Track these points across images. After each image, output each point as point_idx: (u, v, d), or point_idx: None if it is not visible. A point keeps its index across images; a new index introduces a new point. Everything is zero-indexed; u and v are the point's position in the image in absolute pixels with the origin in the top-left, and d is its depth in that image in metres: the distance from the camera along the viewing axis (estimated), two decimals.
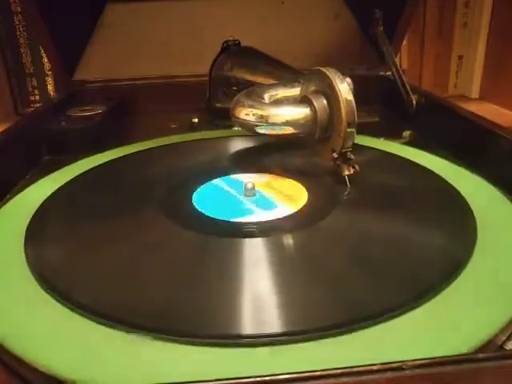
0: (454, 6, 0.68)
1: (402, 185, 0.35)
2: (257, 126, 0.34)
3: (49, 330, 0.21)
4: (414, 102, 0.49)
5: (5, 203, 0.34)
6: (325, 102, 0.34)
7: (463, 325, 0.21)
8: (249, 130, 0.35)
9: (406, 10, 0.58)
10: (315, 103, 0.34)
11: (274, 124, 0.34)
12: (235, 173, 0.37)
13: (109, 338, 0.20)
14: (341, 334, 0.20)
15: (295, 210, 0.31)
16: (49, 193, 0.34)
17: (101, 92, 0.59)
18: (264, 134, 0.35)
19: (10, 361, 0.20)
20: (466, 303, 0.22)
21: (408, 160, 0.39)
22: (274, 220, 0.30)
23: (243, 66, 0.50)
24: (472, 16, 0.68)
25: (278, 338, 0.20)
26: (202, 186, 0.35)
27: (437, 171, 0.36)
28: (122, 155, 0.42)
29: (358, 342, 0.20)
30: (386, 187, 0.35)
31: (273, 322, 0.21)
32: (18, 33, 0.66)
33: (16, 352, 0.20)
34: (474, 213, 0.30)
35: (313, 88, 0.35)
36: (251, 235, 0.28)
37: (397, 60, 0.55)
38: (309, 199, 0.32)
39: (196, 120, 0.54)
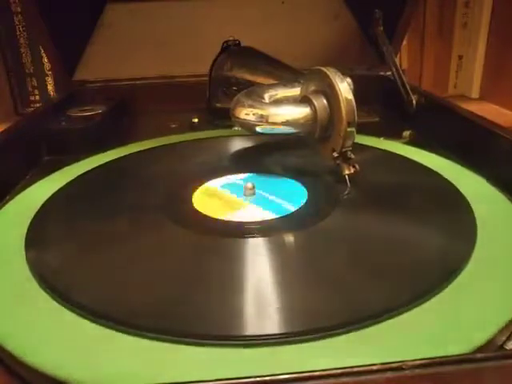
0: (453, 6, 0.68)
1: (403, 184, 0.35)
2: (257, 125, 0.34)
3: (49, 331, 0.21)
4: (414, 101, 0.49)
5: (5, 203, 0.34)
6: (325, 101, 0.34)
7: (463, 325, 0.21)
8: (249, 129, 0.35)
9: (405, 10, 0.58)
10: (315, 103, 0.34)
11: (273, 124, 0.34)
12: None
13: (109, 339, 0.20)
14: (341, 334, 0.20)
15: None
16: (49, 193, 0.34)
17: (101, 92, 0.59)
18: (264, 134, 0.35)
19: (10, 362, 0.20)
20: (466, 303, 0.22)
21: (408, 159, 0.39)
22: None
23: (243, 65, 0.50)
24: (472, 16, 0.68)
25: (278, 339, 0.20)
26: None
27: (437, 171, 0.36)
28: (122, 155, 0.42)
29: (358, 342, 0.20)
30: (387, 187, 0.35)
31: (273, 322, 0.21)
32: (18, 33, 0.66)
33: (16, 353, 0.20)
34: (474, 213, 0.30)
35: (313, 88, 0.35)
36: (251, 235, 0.28)
37: (397, 60, 0.55)
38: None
39: (196, 120, 0.54)
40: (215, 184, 0.35)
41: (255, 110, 0.34)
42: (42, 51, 0.66)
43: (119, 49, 0.62)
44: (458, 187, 0.33)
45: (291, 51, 0.54)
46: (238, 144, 0.45)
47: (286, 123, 0.34)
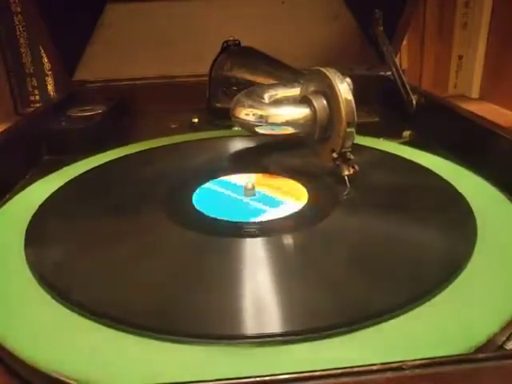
0: (453, 6, 0.68)
1: (402, 185, 0.35)
2: (257, 125, 0.34)
3: (49, 331, 0.21)
4: (414, 101, 0.49)
5: (5, 203, 0.34)
6: (324, 101, 0.34)
7: (463, 325, 0.21)
8: (249, 129, 0.35)
9: (405, 10, 0.58)
10: (315, 103, 0.34)
11: (273, 124, 0.34)
12: (235, 173, 0.37)
13: (109, 338, 0.20)
14: (341, 334, 0.20)
15: (301, 203, 0.32)
16: (49, 193, 0.34)
17: (101, 92, 0.59)
18: (264, 134, 0.35)
19: (10, 361, 0.20)
20: (466, 303, 0.22)
21: (408, 160, 0.39)
22: (273, 220, 0.30)
23: (243, 65, 0.50)
24: (472, 16, 0.68)
25: (278, 338, 0.20)
26: (199, 188, 0.35)
27: (437, 171, 0.36)
28: (122, 155, 0.42)
29: (358, 342, 0.20)
30: (386, 187, 0.35)
31: (273, 322, 0.21)
32: (18, 33, 0.66)
33: (16, 352, 0.20)
34: (474, 213, 0.30)
35: (312, 88, 0.35)
36: (251, 235, 0.28)
37: (397, 60, 0.55)
38: (309, 199, 0.32)
39: (196, 120, 0.54)
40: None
41: (255, 110, 0.34)
42: (42, 51, 0.66)
43: (119, 49, 0.62)
44: (458, 187, 0.33)
45: (291, 51, 0.54)
46: (238, 144, 0.45)
47: (286, 123, 0.34)
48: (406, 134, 0.47)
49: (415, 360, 0.17)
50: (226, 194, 0.34)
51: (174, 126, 0.54)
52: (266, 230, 0.29)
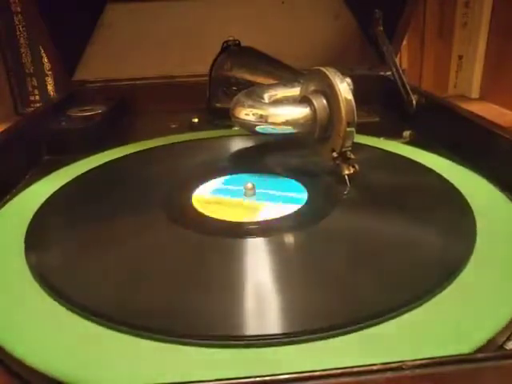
0: (454, 6, 0.68)
1: (402, 184, 0.35)
2: (257, 125, 0.34)
3: (49, 331, 0.21)
4: (414, 102, 0.49)
5: (5, 203, 0.34)
6: (324, 101, 0.34)
7: (463, 325, 0.21)
8: (249, 129, 0.35)
9: (406, 10, 0.58)
10: (315, 103, 0.34)
11: (273, 124, 0.34)
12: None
13: (109, 339, 0.20)
14: (341, 334, 0.20)
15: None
16: (49, 193, 0.34)
17: (101, 92, 0.59)
18: (264, 134, 0.35)
19: (10, 362, 0.20)
20: (466, 303, 0.22)
21: (408, 159, 0.39)
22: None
23: (243, 65, 0.50)
24: (472, 16, 0.68)
25: (278, 339, 0.20)
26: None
27: (437, 171, 0.36)
28: (121, 155, 0.42)
29: (358, 342, 0.20)
30: (386, 187, 0.35)
31: (273, 323, 0.21)
32: (18, 33, 0.66)
33: (16, 353, 0.20)
34: (474, 213, 0.30)
35: (312, 88, 0.35)
36: (251, 235, 0.28)
37: (397, 60, 0.55)
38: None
39: (196, 120, 0.54)
40: (205, 192, 0.34)
41: (255, 110, 0.34)
42: (42, 51, 0.66)
43: (119, 49, 0.62)
44: (458, 187, 0.33)
45: (291, 51, 0.54)
46: (237, 144, 0.45)
47: (286, 123, 0.34)
48: (406, 133, 0.47)
49: (415, 360, 0.17)
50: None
51: (174, 126, 0.54)
52: (266, 230, 0.29)
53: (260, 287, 0.24)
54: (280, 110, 0.34)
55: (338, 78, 0.33)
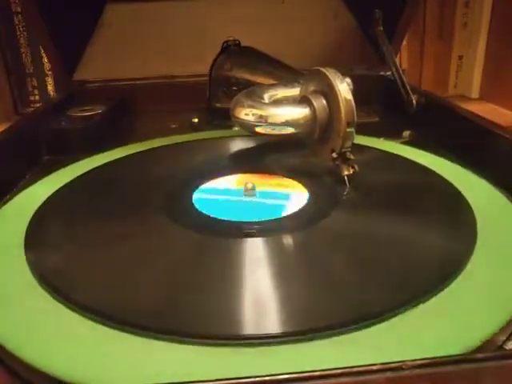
0: (454, 6, 0.68)
1: (402, 184, 0.35)
2: (256, 126, 0.34)
3: (49, 330, 0.21)
4: (414, 101, 0.49)
5: (5, 203, 0.34)
6: (324, 101, 0.34)
7: (463, 325, 0.21)
8: (248, 129, 0.35)
9: (406, 10, 0.58)
10: (315, 103, 0.34)
11: (273, 124, 0.34)
12: (234, 173, 0.37)
13: (109, 339, 0.20)
14: (341, 334, 0.20)
15: (304, 192, 0.33)
16: (49, 193, 0.34)
17: (101, 92, 0.59)
18: (264, 134, 0.35)
19: (10, 361, 0.20)
20: (466, 303, 0.22)
21: (408, 160, 0.39)
22: (273, 220, 0.30)
23: (243, 65, 0.50)
24: (472, 16, 0.68)
25: (277, 338, 0.20)
26: (200, 188, 0.35)
27: (437, 171, 0.36)
28: (121, 155, 0.42)
29: (358, 342, 0.20)
30: (386, 187, 0.35)
31: (273, 322, 0.21)
32: (18, 33, 0.66)
33: (16, 353, 0.20)
34: (474, 213, 0.30)
35: (312, 88, 0.35)
36: (251, 235, 0.28)
37: (397, 60, 0.55)
38: (308, 199, 0.32)
39: (196, 120, 0.54)
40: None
41: (255, 111, 0.34)
42: (42, 51, 0.66)
43: (119, 49, 0.62)
44: (458, 187, 0.33)
45: (291, 51, 0.54)
46: (237, 144, 0.45)
47: (286, 123, 0.34)
48: (406, 133, 0.47)
49: (415, 360, 0.17)
50: (226, 195, 0.34)
51: (174, 125, 0.54)
52: (266, 230, 0.29)
53: (260, 287, 0.24)
54: (280, 110, 0.34)
55: (337, 78, 0.33)
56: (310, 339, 0.20)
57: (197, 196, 0.33)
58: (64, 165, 0.40)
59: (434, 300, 0.22)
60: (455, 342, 0.19)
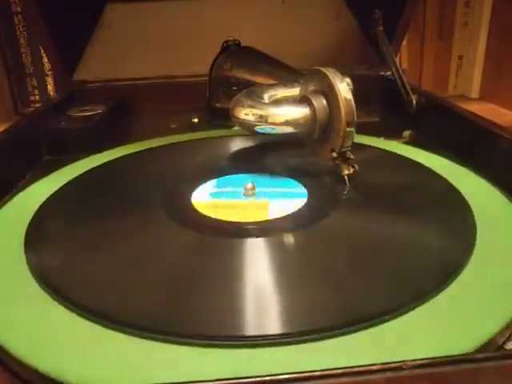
0: (454, 6, 0.68)
1: (402, 184, 0.35)
2: (256, 125, 0.34)
3: (48, 331, 0.21)
4: (414, 101, 0.49)
5: (5, 203, 0.34)
6: (324, 101, 0.34)
7: (463, 325, 0.21)
8: (248, 129, 0.35)
9: (405, 10, 0.58)
10: (315, 103, 0.34)
11: (273, 124, 0.34)
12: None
13: (109, 339, 0.20)
14: (341, 334, 0.20)
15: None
16: (49, 193, 0.34)
17: (101, 92, 0.59)
18: (264, 134, 0.35)
19: (10, 362, 0.20)
20: (466, 303, 0.22)
21: (408, 159, 0.39)
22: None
23: (243, 66, 0.50)
24: (472, 16, 0.68)
25: (278, 339, 0.20)
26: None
27: (437, 171, 0.36)
28: (121, 155, 0.42)
29: (358, 342, 0.20)
30: (386, 187, 0.35)
31: (273, 323, 0.21)
32: (18, 33, 0.66)
33: (16, 354, 0.20)
34: (474, 213, 0.30)
35: (312, 88, 0.35)
36: (251, 235, 0.28)
37: (397, 60, 0.55)
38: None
39: (196, 120, 0.54)
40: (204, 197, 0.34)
41: (255, 110, 0.34)
42: (42, 51, 0.66)
43: (119, 49, 0.62)
44: (458, 187, 0.33)
45: (291, 51, 0.54)
46: (237, 144, 0.44)
47: (286, 123, 0.34)
48: (406, 133, 0.47)
49: (415, 360, 0.17)
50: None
51: (173, 125, 0.54)
52: (266, 230, 0.29)
53: (260, 287, 0.24)
54: (280, 110, 0.34)
55: (337, 78, 0.33)
56: (310, 339, 0.20)
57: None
58: (64, 165, 0.40)
59: (433, 300, 0.22)
60: (455, 342, 0.19)
